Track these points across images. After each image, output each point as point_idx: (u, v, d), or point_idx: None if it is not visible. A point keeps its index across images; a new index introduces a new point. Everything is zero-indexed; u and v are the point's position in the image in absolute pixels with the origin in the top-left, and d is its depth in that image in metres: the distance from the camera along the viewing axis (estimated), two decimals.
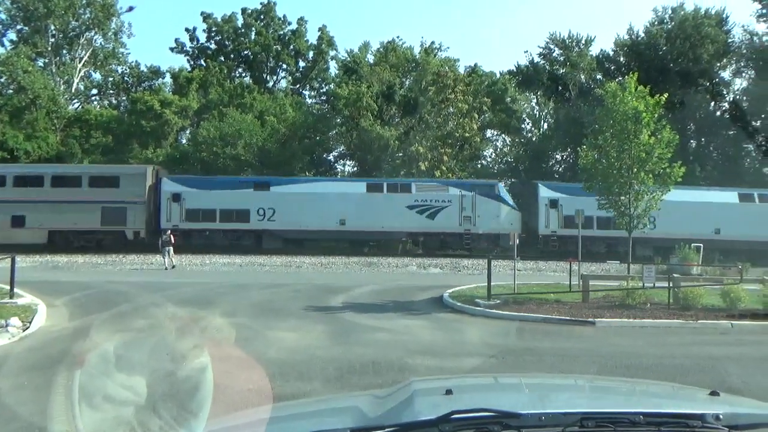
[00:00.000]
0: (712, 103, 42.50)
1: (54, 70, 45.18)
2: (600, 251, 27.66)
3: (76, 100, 48.29)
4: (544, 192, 31.29)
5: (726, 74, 44.32)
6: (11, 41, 44.92)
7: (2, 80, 40.51)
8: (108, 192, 29.70)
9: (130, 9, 47.66)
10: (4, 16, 44.74)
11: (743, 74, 44.11)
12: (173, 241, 24.03)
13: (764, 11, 41.26)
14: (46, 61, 45.48)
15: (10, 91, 40.47)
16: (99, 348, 8.51)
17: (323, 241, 30.93)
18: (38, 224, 29.31)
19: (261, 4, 49.88)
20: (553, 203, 30.64)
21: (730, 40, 42.46)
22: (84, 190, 29.75)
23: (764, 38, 41.99)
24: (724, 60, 42.99)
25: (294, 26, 50.58)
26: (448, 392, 1.97)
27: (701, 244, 25.50)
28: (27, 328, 10.76)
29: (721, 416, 1.59)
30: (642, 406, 1.88)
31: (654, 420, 1.55)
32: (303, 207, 29.59)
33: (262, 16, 50.08)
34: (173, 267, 23.32)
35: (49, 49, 45.14)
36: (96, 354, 7.35)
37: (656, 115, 17.11)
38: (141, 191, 30.21)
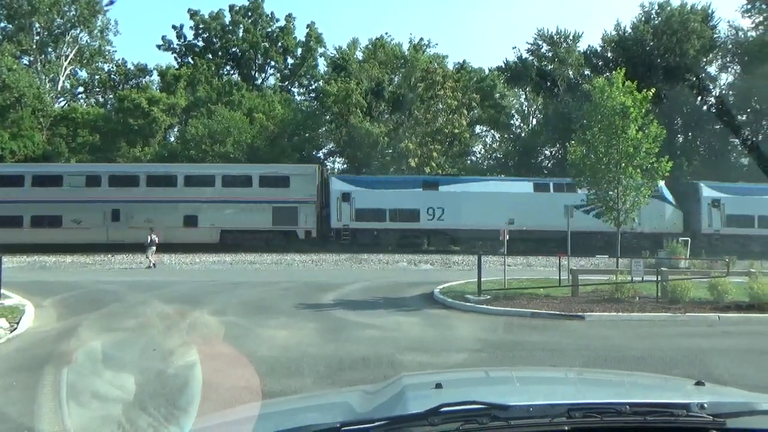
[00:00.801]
0: (699, 98, 42.87)
1: (39, 68, 44.69)
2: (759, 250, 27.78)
3: (62, 99, 47.85)
4: (707, 192, 31.48)
5: (712, 69, 44.79)
6: None
7: None
8: (279, 191, 30.04)
9: (111, 2, 47.14)
10: None
11: (729, 69, 44.61)
12: (156, 241, 23.92)
13: (749, 7, 41.70)
14: (31, 59, 44.97)
15: None
16: (87, 346, 8.47)
17: (492, 240, 30.84)
18: (210, 224, 29.65)
19: (249, 1, 49.63)
20: (716, 203, 31.08)
21: (715, 36, 42.87)
22: (255, 189, 30.20)
23: (749, 33, 42.50)
24: (710, 55, 43.41)
25: (282, 23, 50.49)
26: (438, 386, 1.98)
27: (688, 238, 25.78)
28: (14, 329, 10.66)
29: (705, 405, 1.62)
30: (628, 396, 1.90)
31: (640, 410, 1.57)
32: (472, 206, 29.65)
33: (249, 13, 49.84)
34: (153, 266, 23.15)
35: (34, 46, 44.64)
36: (84, 352, 7.32)
37: (644, 110, 17.24)
38: (312, 190, 30.55)
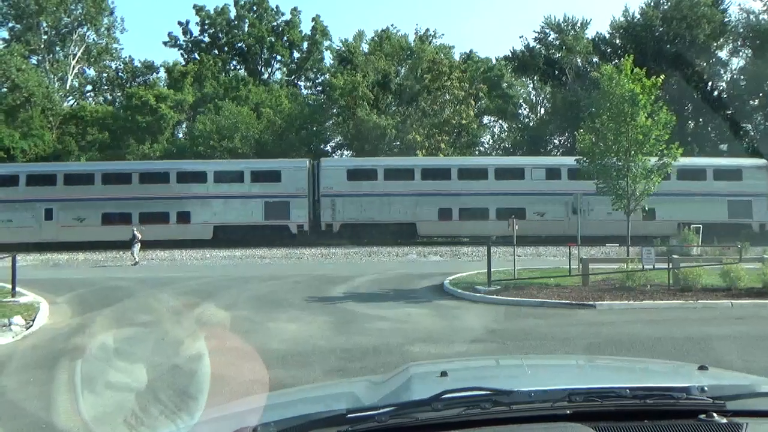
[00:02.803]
0: (710, 84, 42.39)
1: (48, 68, 45.00)
2: None
3: (70, 97, 48.17)
4: None
5: (723, 54, 44.23)
6: (3, 39, 44.84)
7: None
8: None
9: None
10: None
11: (740, 53, 44.00)
12: (140, 237, 23.98)
13: None
14: (40, 58, 45.28)
15: (5, 89, 40.33)
16: (100, 339, 8.60)
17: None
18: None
19: None
20: None
21: (726, 20, 42.29)
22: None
23: (761, 16, 41.85)
24: (721, 39, 42.85)
25: (287, 17, 50.45)
26: (443, 374, 2.00)
27: (700, 225, 25.61)
28: (30, 326, 10.80)
29: (706, 388, 1.63)
30: (630, 381, 1.91)
31: (640, 393, 1.58)
32: None
33: (254, 8, 49.83)
34: (136, 263, 23.09)
35: (42, 46, 44.93)
36: (97, 344, 7.43)
37: (653, 97, 17.10)
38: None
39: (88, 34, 47.25)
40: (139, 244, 23.88)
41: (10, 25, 45.04)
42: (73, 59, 46.42)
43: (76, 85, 48.81)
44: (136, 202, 29.76)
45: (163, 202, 30.02)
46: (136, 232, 24.07)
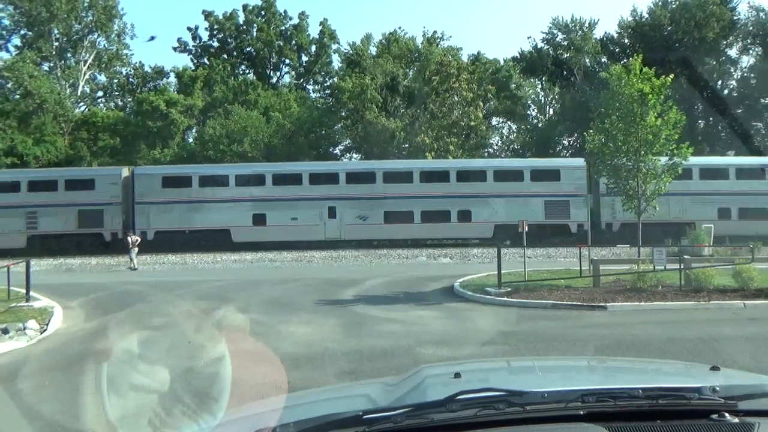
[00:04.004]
0: (719, 82, 42.06)
1: (59, 74, 45.46)
2: None
3: (82, 103, 48.61)
4: None
5: (732, 52, 43.88)
6: (16, 47, 45.33)
7: (9, 86, 40.83)
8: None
9: (152, 38, 48.89)
10: (7, 22, 45.06)
11: (750, 51, 43.64)
12: (138, 242, 24.00)
13: None
14: (51, 65, 45.76)
15: (17, 96, 40.76)
16: (124, 342, 8.71)
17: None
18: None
19: (262, 0, 49.88)
20: None
21: (735, 18, 41.97)
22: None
23: None
24: (731, 38, 42.53)
25: (295, 21, 50.64)
26: (457, 376, 2.03)
27: (712, 225, 25.42)
28: (44, 331, 10.91)
29: (718, 388, 1.64)
30: (642, 382, 1.93)
31: (652, 394, 1.60)
32: None
33: (263, 12, 50.09)
34: (134, 269, 23.06)
35: (54, 53, 45.40)
36: (121, 348, 7.53)
37: (662, 97, 17.01)
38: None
39: (98, 40, 47.74)
40: (137, 249, 23.80)
41: (22, 32, 45.61)
42: (84, 65, 46.89)
43: (88, 91, 49.29)
44: (417, 200, 29.73)
45: (443, 200, 29.80)
46: (131, 237, 24.03)
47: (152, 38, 55.93)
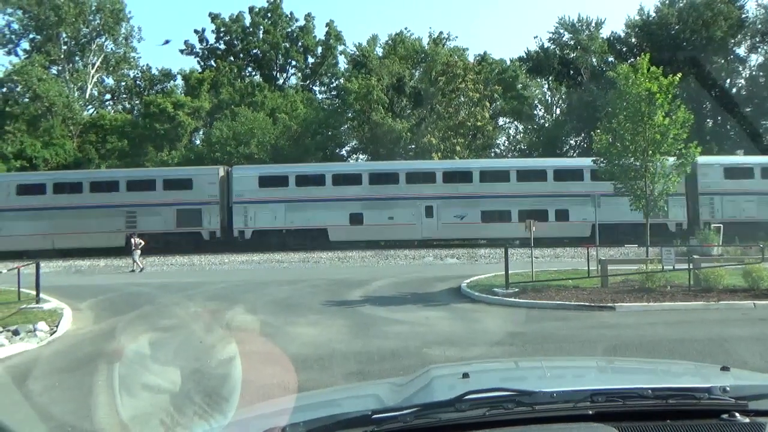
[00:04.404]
0: (728, 81, 41.78)
1: (68, 77, 45.80)
2: None
3: (90, 106, 48.97)
4: None
5: (741, 50, 43.58)
6: (25, 51, 45.73)
7: (18, 89, 41.17)
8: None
9: (167, 42, 49.36)
10: (16, 26, 45.48)
11: (758, 49, 43.34)
12: (141, 244, 24.09)
13: None
14: (60, 68, 46.11)
15: (26, 100, 41.12)
16: (135, 343, 8.77)
17: None
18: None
19: (268, 2, 50.10)
20: None
21: (743, 16, 41.69)
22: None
23: None
24: (739, 36, 42.24)
25: (301, 22, 50.82)
26: (465, 376, 2.03)
27: (721, 225, 25.26)
28: (54, 332, 10.98)
29: (728, 388, 1.63)
30: (652, 382, 1.92)
31: (662, 394, 1.59)
32: None
33: (269, 14, 50.25)
34: (141, 270, 23.19)
35: (62, 56, 45.76)
36: (133, 348, 7.58)
37: (670, 96, 16.93)
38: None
39: (106, 43, 48.12)
40: (140, 250, 23.88)
41: (31, 36, 45.99)
42: (92, 69, 47.23)
43: (96, 94, 49.65)
44: (514, 199, 29.68)
45: (540, 200, 29.67)
46: (135, 239, 24.12)
47: (167, 42, 56.41)
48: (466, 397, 1.56)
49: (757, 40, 42.66)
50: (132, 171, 33.66)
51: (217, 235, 30.06)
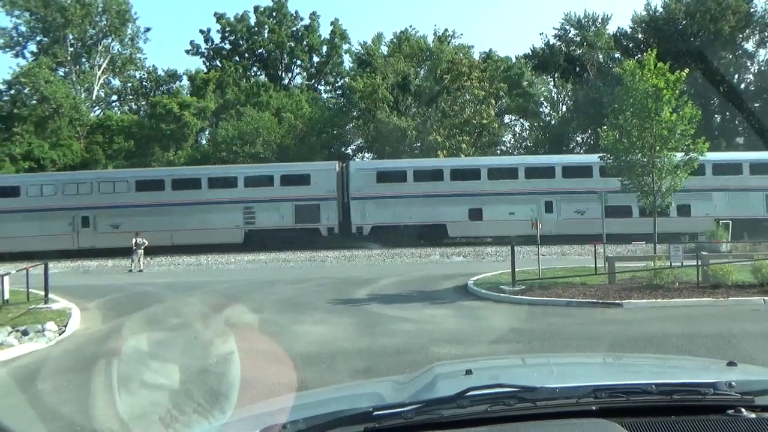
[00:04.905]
0: (736, 76, 41.45)
1: (74, 79, 46.06)
2: None
3: (97, 107, 49.25)
4: None
5: (749, 45, 43.23)
6: (32, 53, 46.00)
7: (26, 91, 41.46)
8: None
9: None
10: (24, 29, 45.75)
11: (767, 44, 42.96)
12: (144, 245, 24.11)
13: None
14: (67, 70, 46.37)
15: (34, 101, 41.40)
16: (134, 341, 8.80)
17: None
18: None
19: (273, 1, 50.11)
20: None
21: (752, 10, 41.35)
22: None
23: None
24: (747, 31, 41.88)
25: (306, 22, 50.83)
26: (468, 373, 2.02)
27: (729, 221, 25.07)
28: (63, 332, 11.04)
29: (734, 383, 1.61)
30: (657, 378, 1.90)
31: (666, 389, 1.57)
32: None
33: (274, 14, 50.31)
34: (140, 270, 23.17)
35: (69, 58, 46.01)
36: (131, 346, 7.61)
37: (677, 92, 16.82)
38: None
39: (112, 45, 48.35)
40: (142, 251, 23.87)
41: (38, 38, 46.27)
42: (99, 70, 47.48)
43: (102, 95, 49.95)
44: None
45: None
46: (138, 239, 24.11)
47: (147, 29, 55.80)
48: (468, 394, 1.55)
49: (766, 34, 42.30)
50: (249, 167, 33.36)
51: (335, 231, 30.07)
